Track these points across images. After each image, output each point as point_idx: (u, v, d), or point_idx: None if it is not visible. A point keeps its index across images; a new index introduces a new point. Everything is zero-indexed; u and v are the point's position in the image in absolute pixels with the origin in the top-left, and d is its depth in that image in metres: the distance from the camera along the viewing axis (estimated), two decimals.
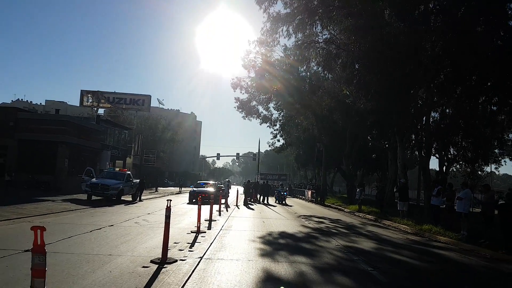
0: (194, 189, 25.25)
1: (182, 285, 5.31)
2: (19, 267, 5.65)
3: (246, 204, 24.78)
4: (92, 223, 11.44)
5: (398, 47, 14.45)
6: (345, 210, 23.31)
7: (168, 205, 7.11)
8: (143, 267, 6.21)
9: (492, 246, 9.75)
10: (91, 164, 30.47)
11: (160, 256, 6.71)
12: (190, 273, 5.95)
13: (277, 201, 29.25)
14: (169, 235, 6.90)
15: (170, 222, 7.06)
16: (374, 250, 9.41)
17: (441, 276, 7.06)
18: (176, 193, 37.00)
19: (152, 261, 6.57)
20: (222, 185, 34.32)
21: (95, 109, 47.27)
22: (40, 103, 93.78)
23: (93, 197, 21.41)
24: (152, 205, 20.59)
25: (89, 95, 45.16)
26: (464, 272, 7.56)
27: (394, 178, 22.56)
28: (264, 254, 7.98)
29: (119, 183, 21.62)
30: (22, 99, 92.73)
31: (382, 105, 17.15)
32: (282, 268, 6.76)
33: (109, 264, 6.27)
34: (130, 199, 23.39)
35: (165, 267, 6.24)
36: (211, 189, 24.86)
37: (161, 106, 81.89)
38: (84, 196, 21.57)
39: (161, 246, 6.78)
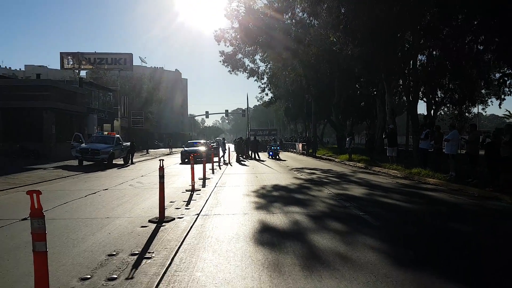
0: (186, 149, 25.27)
1: (181, 240, 5.44)
2: (18, 236, 5.70)
3: (238, 161, 25.03)
4: (86, 188, 11.47)
5: None
6: (336, 160, 23.75)
7: (161, 165, 7.11)
8: (142, 226, 6.32)
9: (479, 185, 10.12)
10: (78, 129, 30.03)
11: (158, 216, 6.83)
12: (188, 230, 6.09)
13: (270, 156, 28.72)
14: (165, 195, 6.97)
15: (165, 182, 7.10)
16: (365, 195, 9.71)
17: (431, 216, 7.37)
18: (167, 154, 37.05)
19: (150, 221, 6.68)
20: (214, 144, 34.42)
21: (77, 71, 45.66)
22: (20, 69, 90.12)
23: (84, 163, 21.40)
24: (144, 167, 20.66)
25: (69, 57, 43.38)
26: (453, 211, 7.90)
27: (383, 125, 22.80)
28: (259, 207, 8.18)
29: (109, 147, 21.47)
30: (0, 66, 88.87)
31: (369, 50, 16.85)
32: (277, 218, 6.95)
33: (107, 226, 6.36)
34: (122, 162, 23.39)
35: (163, 226, 6.36)
36: (202, 148, 24.90)
37: (143, 64, 79.40)
38: (75, 162, 21.50)
39: (158, 206, 6.87)
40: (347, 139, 22.65)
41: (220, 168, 19.24)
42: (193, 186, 10.68)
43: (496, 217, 7.39)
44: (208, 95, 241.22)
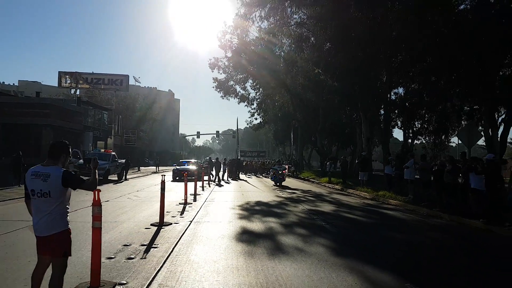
0: (178, 167, 26.76)
1: (179, 237, 7.05)
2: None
3: (227, 179, 26.67)
4: (89, 199, 12.83)
5: (358, 33, 16.11)
6: (317, 182, 25.52)
7: (163, 180, 8.77)
8: (146, 228, 7.90)
9: (430, 206, 11.91)
10: (74, 145, 31.26)
11: (158, 221, 8.41)
12: (184, 231, 7.70)
13: (276, 183, 22.20)
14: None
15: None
16: (332, 211, 11.43)
17: (380, 227, 9.10)
18: (153, 172, 38.05)
19: (152, 224, 8.26)
20: (203, 163, 35.92)
21: (73, 90, 47.22)
22: (14, 84, 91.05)
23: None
24: (138, 183, 22.07)
25: (67, 76, 45.04)
26: (399, 224, 9.64)
27: (361, 151, 24.76)
28: (242, 217, 9.81)
29: (105, 164, 22.84)
30: None
31: (347, 85, 18.98)
32: (256, 225, 8.60)
33: (117, 228, 7.91)
34: (116, 178, 24.73)
35: (163, 228, 7.96)
36: (193, 167, 26.45)
37: (137, 84, 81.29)
38: None
39: (156, 215, 8.48)
40: (327, 163, 24.52)
41: (209, 186, 20.78)
42: (185, 200, 12.26)
43: (429, 229, 9.13)
44: (200, 116, 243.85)
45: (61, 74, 45.45)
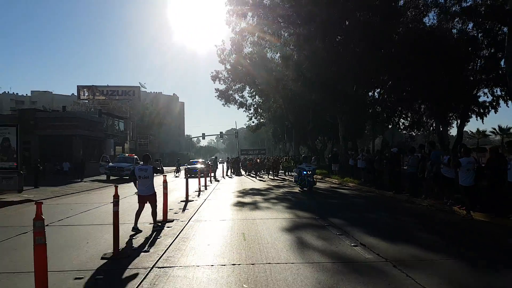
0: (189, 166, 31.88)
1: (200, 205, 12.10)
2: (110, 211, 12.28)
3: (230, 175, 31.90)
4: (122, 193, 18.03)
5: (323, 59, 21.11)
6: None
7: (164, 180, 13.85)
8: (180, 201, 12.93)
9: (370, 185, 16.79)
10: (98, 151, 36.59)
11: (185, 199, 13.44)
12: (201, 203, 12.75)
13: (302, 187, 17.12)
14: (182, 193, 13.59)
15: (180, 188, 13.67)
16: (301, 191, 16.42)
17: (325, 198, 14.10)
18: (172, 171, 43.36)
19: (181, 201, 13.30)
20: (209, 162, 41.07)
21: (88, 101, 52.54)
22: (26, 94, 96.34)
23: (111, 177, 27.87)
24: (159, 180, 27.19)
25: (85, 89, 50.42)
26: (339, 195, 14.61)
27: (333, 148, 29.73)
28: (239, 196, 14.89)
29: (130, 165, 27.96)
30: (8, 92, 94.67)
31: (321, 97, 24.00)
32: (246, 200, 13.69)
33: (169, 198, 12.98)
34: None
35: (189, 203, 12.98)
36: (201, 166, 31.57)
37: (143, 89, 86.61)
38: (103, 177, 27.98)
39: (182, 197, 13.47)
40: (313, 157, 29.43)
41: (216, 180, 25.88)
42: (199, 188, 17.35)
43: (356, 197, 14.09)
44: (204, 116, 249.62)
45: (79, 88, 50.85)
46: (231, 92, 38.16)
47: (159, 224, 8.64)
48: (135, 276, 4.92)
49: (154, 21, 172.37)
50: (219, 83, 36.77)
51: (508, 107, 22.03)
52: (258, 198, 14.22)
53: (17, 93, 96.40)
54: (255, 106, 41.36)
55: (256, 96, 40.08)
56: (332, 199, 13.86)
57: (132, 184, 9.05)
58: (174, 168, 36.72)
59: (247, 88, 38.71)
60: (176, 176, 32.51)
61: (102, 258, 5.83)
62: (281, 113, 41.94)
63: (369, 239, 6.83)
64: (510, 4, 13.21)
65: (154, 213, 8.51)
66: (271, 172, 30.45)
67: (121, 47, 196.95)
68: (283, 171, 32.54)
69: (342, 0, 19.89)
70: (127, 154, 32.40)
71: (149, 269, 5.19)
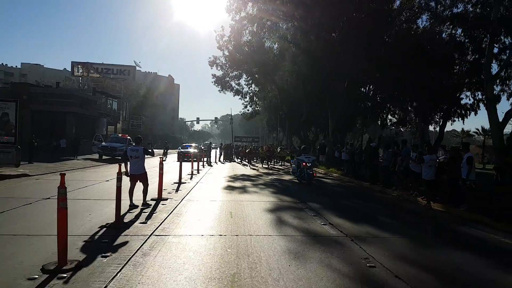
0: (182, 150, 32.49)
1: (192, 187, 12.88)
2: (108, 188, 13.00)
3: (223, 161, 32.66)
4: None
5: (318, 54, 21.81)
6: None
7: (161, 161, 14.57)
8: (173, 183, 13.69)
9: (353, 177, 17.73)
10: (91, 130, 36.89)
11: (178, 181, 14.19)
12: (194, 185, 13.53)
13: (301, 180, 15.79)
14: (175, 176, 14.34)
15: (172, 171, 14.42)
16: (289, 180, 17.31)
17: (308, 186, 14.98)
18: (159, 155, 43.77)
19: (174, 183, 14.05)
20: (202, 146, 41.73)
21: (81, 78, 52.24)
22: (16, 66, 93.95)
23: (103, 157, 28.39)
24: (151, 162, 27.85)
25: (79, 65, 50.22)
26: (322, 184, 15.50)
27: (321, 140, 30.66)
28: (229, 181, 15.71)
29: (123, 146, 28.48)
30: None
31: (313, 89, 24.75)
32: (236, 184, 14.51)
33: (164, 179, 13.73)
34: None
35: (182, 184, 13.74)
36: (194, 150, 32.21)
37: (138, 68, 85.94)
38: (95, 156, 28.50)
39: (173, 181, 14.21)
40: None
41: (209, 165, 26.64)
42: (192, 172, 18.09)
43: (336, 186, 15.02)
44: (199, 100, 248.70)
45: (74, 64, 50.63)
46: (228, 79, 38.58)
47: (148, 203, 9.20)
48: (136, 241, 5.71)
49: (153, 1, 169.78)
50: (217, 69, 37.17)
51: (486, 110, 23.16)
52: (247, 183, 15.05)
53: (6, 64, 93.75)
54: (251, 94, 41.88)
55: (253, 85, 40.59)
56: (314, 186, 14.74)
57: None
58: (162, 151, 37.18)
59: (244, 76, 39.14)
60: (164, 160, 33.20)
61: (105, 227, 6.60)
62: (276, 103, 42.56)
63: (338, 220, 7.94)
64: (494, 15, 13.98)
65: (144, 191, 9.12)
66: (265, 162, 29.78)
67: (117, 25, 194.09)
68: (277, 161, 32.69)
69: (341, 1, 20.55)
70: (120, 135, 32.81)
71: (147, 236, 6.02)
